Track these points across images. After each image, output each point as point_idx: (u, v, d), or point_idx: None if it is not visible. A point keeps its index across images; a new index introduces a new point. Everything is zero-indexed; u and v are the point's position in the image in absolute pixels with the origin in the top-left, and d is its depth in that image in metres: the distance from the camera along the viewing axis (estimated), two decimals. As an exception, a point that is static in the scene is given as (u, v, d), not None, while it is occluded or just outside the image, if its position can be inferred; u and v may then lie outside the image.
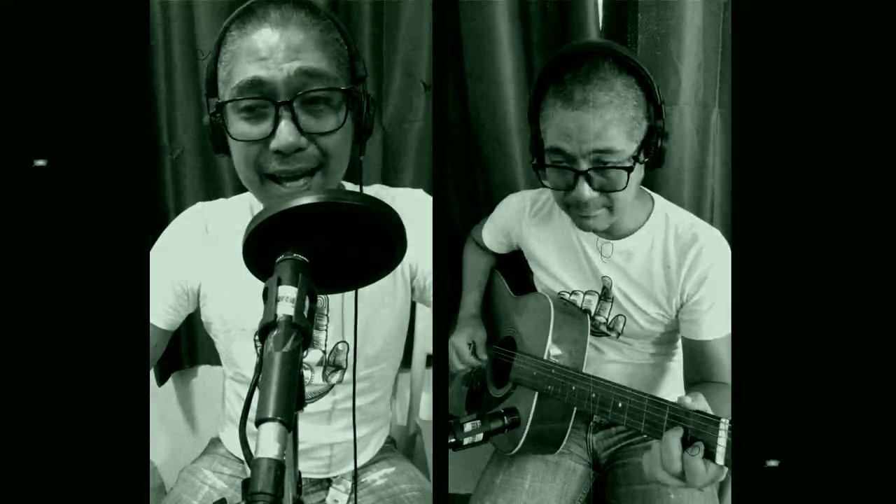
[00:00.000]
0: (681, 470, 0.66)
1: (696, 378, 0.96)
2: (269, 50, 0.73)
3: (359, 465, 1.03)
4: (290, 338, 0.50)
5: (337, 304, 0.91)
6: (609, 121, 0.82)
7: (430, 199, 0.94)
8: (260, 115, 0.75)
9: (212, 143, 0.79)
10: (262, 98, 0.73)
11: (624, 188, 0.85)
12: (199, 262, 0.90)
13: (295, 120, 0.74)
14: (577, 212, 0.90)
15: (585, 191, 0.85)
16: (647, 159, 0.87)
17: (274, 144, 0.74)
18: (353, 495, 0.99)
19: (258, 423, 0.46)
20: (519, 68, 1.24)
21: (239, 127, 0.75)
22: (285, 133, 0.73)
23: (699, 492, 0.96)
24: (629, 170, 0.83)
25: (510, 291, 1.18)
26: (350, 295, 0.88)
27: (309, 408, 0.94)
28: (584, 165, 0.84)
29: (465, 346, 1.10)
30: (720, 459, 0.64)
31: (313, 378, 0.93)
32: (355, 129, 0.81)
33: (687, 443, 0.67)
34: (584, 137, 0.82)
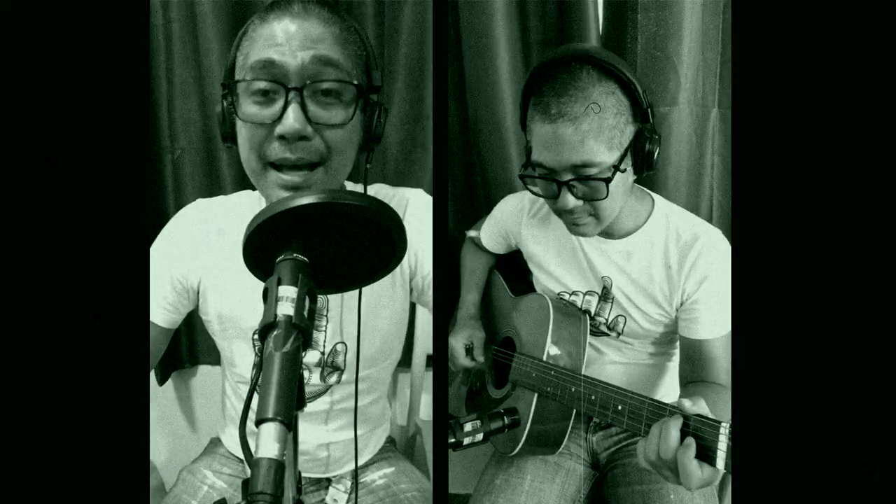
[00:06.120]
0: (673, 458, 0.66)
1: (692, 377, 0.96)
2: (286, 37, 0.74)
3: (357, 464, 1.03)
4: (290, 338, 0.50)
5: (336, 306, 0.91)
6: (586, 132, 0.81)
7: (429, 198, 0.94)
8: (271, 99, 0.75)
9: (220, 129, 0.80)
10: (274, 82, 0.74)
11: (605, 198, 0.85)
12: (199, 258, 0.90)
13: (304, 108, 0.74)
14: (566, 218, 0.92)
15: (569, 200, 0.86)
16: (630, 166, 0.86)
17: (279, 129, 0.74)
18: (352, 495, 0.99)
19: (258, 423, 0.46)
20: (517, 68, 1.24)
21: (248, 109, 0.76)
22: (291, 119, 0.73)
23: (698, 492, 0.96)
24: (607, 181, 0.83)
25: (509, 292, 1.18)
26: (349, 296, 0.88)
27: (306, 408, 0.94)
28: (566, 176, 0.85)
29: (462, 347, 1.10)
30: (720, 464, 0.64)
31: (311, 379, 0.93)
32: (364, 135, 0.81)
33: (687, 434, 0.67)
34: (561, 150, 0.83)
